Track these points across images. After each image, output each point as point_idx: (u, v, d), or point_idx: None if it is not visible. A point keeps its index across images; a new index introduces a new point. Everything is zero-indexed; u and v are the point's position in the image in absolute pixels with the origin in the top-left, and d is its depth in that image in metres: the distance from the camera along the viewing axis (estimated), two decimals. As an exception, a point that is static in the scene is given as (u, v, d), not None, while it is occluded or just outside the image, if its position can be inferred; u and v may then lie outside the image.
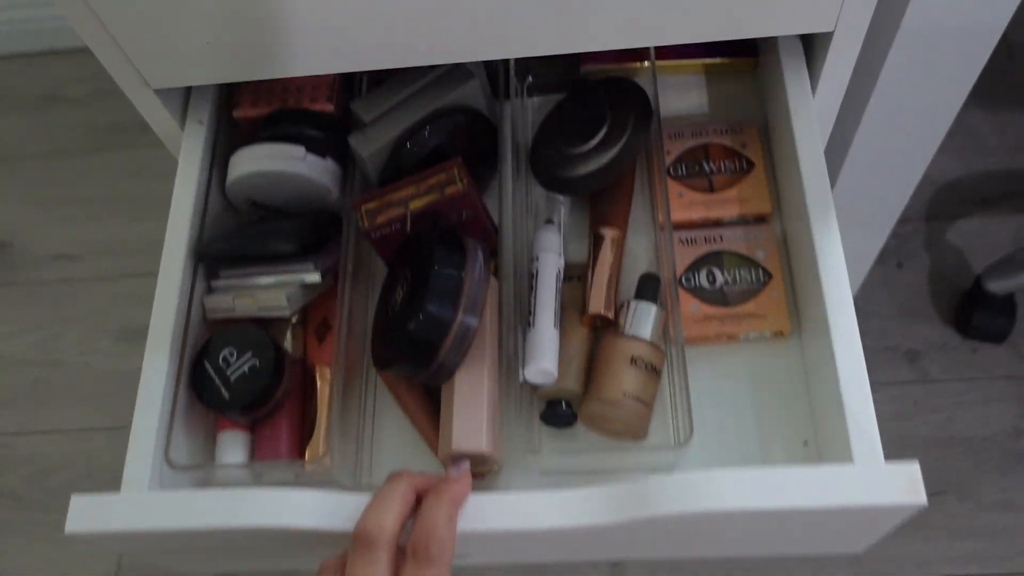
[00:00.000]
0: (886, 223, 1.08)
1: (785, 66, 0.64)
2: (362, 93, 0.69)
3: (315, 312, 0.68)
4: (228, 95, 0.70)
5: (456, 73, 0.65)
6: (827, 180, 0.59)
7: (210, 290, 0.65)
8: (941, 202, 1.40)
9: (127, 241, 1.51)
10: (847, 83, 0.64)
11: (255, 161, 0.64)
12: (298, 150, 0.64)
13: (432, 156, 0.64)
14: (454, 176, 0.60)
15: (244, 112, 0.68)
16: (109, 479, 1.35)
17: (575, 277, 0.66)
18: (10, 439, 1.39)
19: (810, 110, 0.62)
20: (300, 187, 0.65)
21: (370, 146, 0.63)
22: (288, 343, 0.66)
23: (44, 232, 1.54)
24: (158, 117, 0.64)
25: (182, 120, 0.66)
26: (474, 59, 0.59)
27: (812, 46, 0.64)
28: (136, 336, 1.44)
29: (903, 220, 1.23)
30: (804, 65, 0.64)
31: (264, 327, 0.63)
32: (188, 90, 0.67)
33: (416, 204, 0.60)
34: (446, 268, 0.55)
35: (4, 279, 1.51)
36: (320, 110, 0.67)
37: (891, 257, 1.37)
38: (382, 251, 0.64)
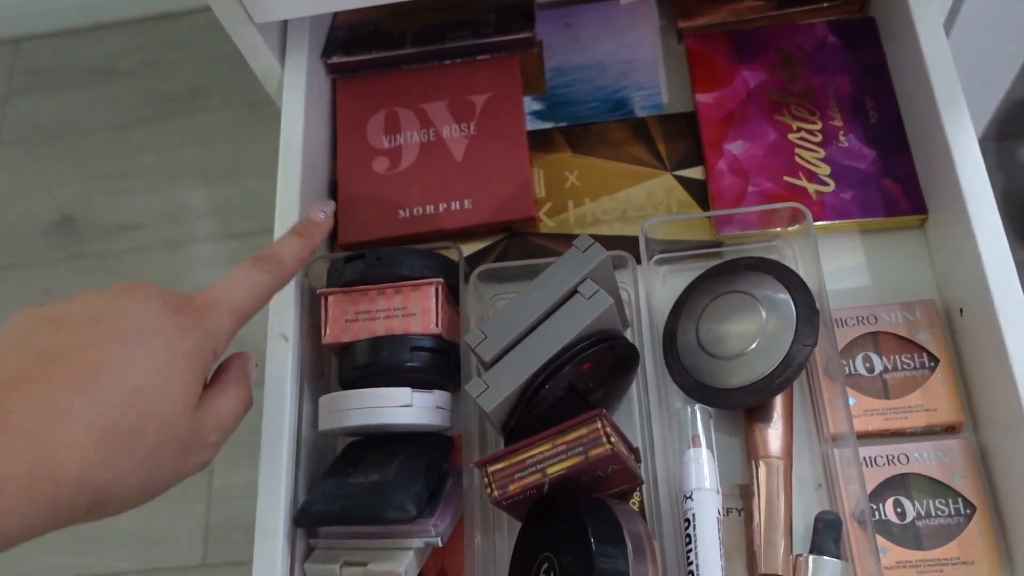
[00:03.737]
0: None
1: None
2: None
3: (432, 561, 0.58)
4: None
5: (586, 292, 0.54)
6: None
7: (310, 549, 0.57)
8: (1012, 122, 1.37)
9: (190, 207, 1.53)
10: None
11: (352, 413, 0.56)
12: (403, 394, 0.56)
13: (568, 394, 0.55)
14: (599, 435, 0.51)
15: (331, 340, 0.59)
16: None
17: (734, 509, 0.56)
18: (91, 407, 1.42)
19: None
20: (406, 426, 0.58)
21: (495, 397, 0.53)
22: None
23: (108, 204, 1.56)
24: (259, 54, 0.64)
25: (281, 59, 0.66)
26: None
27: None
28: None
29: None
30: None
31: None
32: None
33: (555, 469, 0.51)
34: (608, 561, 0.48)
35: (73, 252, 1.53)
36: (424, 332, 0.58)
37: (961, 180, 1.35)
38: (512, 512, 0.56)
